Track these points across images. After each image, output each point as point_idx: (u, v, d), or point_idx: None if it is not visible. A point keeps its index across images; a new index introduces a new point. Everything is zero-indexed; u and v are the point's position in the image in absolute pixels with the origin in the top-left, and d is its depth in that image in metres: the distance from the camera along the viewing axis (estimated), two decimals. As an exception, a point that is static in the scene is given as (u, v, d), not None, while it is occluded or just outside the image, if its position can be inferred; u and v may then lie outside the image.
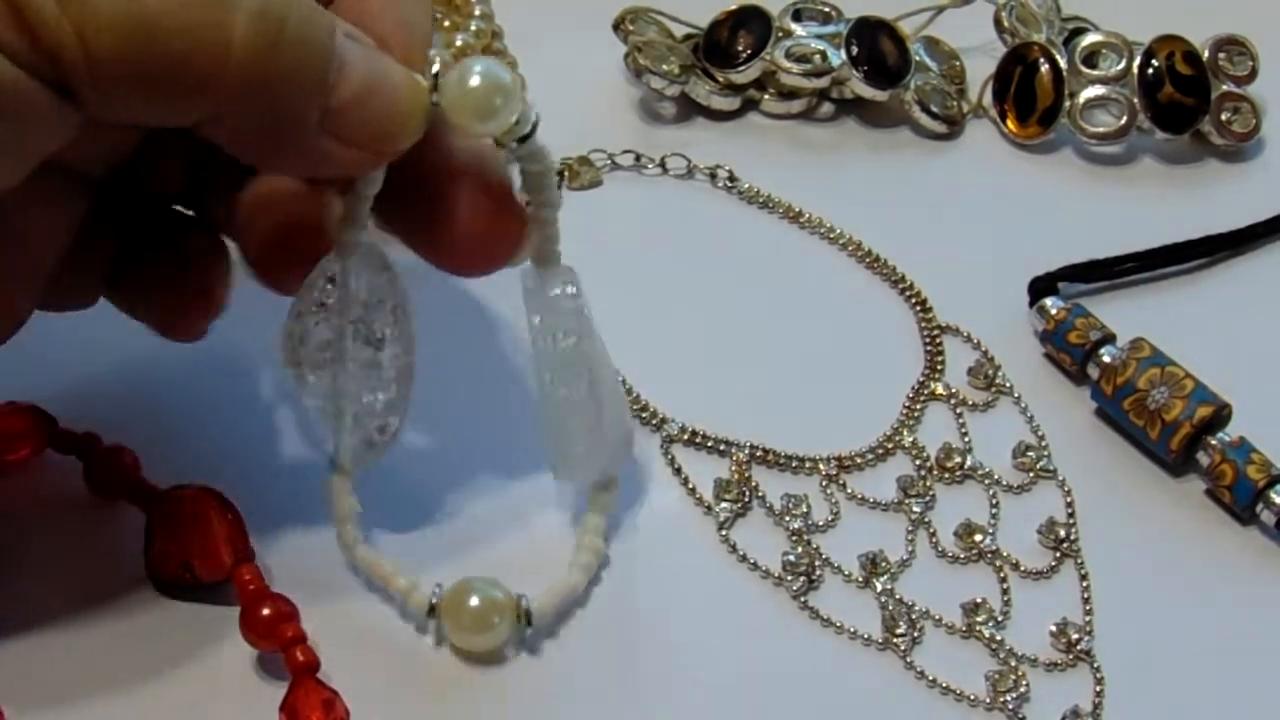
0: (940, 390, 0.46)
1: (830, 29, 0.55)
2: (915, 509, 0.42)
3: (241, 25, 0.29)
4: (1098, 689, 0.38)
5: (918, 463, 0.43)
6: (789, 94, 0.55)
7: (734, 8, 0.55)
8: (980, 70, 0.56)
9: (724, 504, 0.42)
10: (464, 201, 0.35)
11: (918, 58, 0.55)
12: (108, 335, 0.45)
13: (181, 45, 0.29)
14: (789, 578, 0.40)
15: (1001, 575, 0.41)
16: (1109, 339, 0.45)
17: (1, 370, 0.38)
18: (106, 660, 0.37)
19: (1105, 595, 0.40)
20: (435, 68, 0.33)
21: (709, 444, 0.43)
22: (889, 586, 0.40)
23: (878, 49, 0.54)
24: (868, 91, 0.54)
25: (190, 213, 0.39)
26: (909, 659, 0.39)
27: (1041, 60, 0.54)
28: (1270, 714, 0.38)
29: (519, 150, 0.35)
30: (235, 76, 0.30)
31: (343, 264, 0.35)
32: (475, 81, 0.33)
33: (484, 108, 0.33)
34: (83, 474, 0.40)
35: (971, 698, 0.38)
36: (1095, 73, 0.53)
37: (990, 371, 0.46)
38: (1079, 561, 0.41)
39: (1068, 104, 0.53)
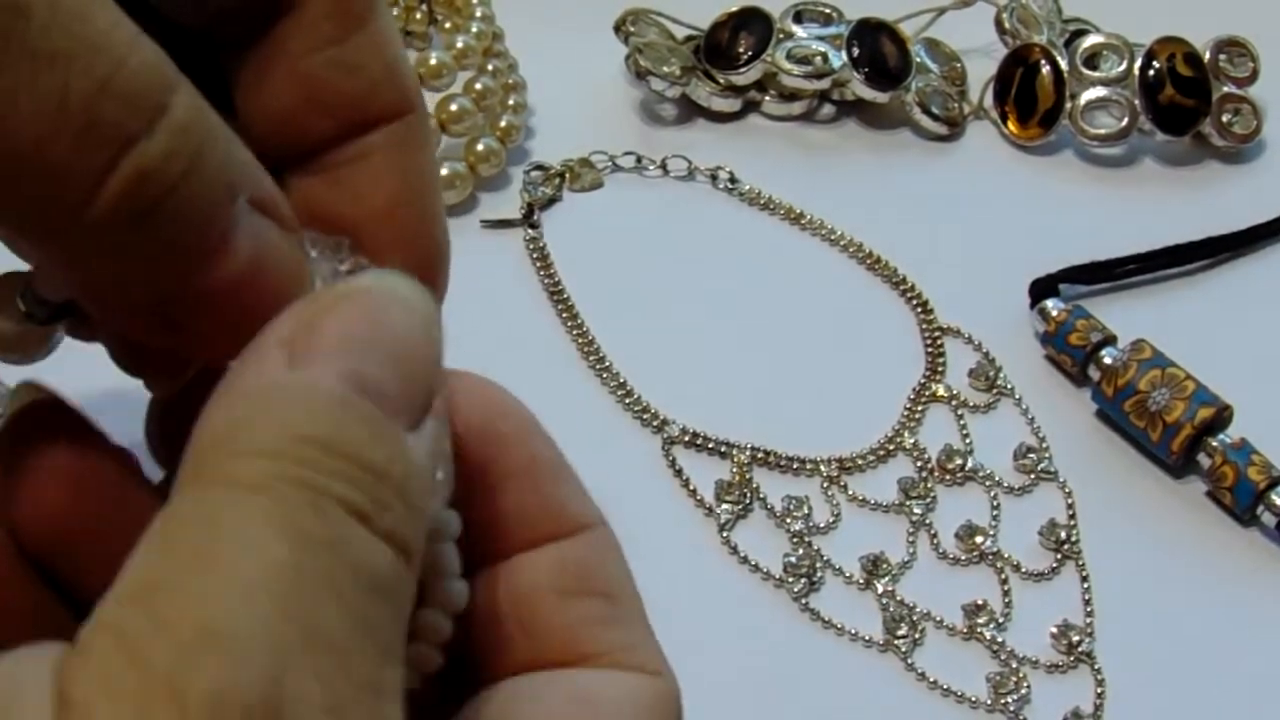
0: (941, 392, 0.46)
1: (831, 31, 0.55)
2: (916, 510, 0.42)
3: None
4: (1099, 690, 0.38)
5: (919, 464, 0.43)
6: (790, 96, 0.55)
7: (735, 9, 0.55)
8: (981, 72, 0.56)
9: (725, 505, 0.42)
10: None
11: (918, 59, 0.55)
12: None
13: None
14: (790, 579, 0.40)
15: (1002, 577, 0.41)
16: (1110, 341, 0.45)
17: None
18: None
19: (1106, 597, 0.40)
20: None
21: (710, 445, 0.43)
22: (890, 588, 0.40)
23: (878, 51, 0.54)
24: (868, 93, 0.54)
25: None
26: (910, 660, 0.39)
27: (1042, 62, 0.54)
28: (1270, 715, 0.38)
29: None
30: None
31: None
32: None
33: None
34: (84, 476, 0.40)
35: (973, 699, 0.38)
36: (1096, 74, 0.53)
37: (991, 373, 0.46)
38: (1080, 563, 0.41)
39: (1069, 105, 0.53)
